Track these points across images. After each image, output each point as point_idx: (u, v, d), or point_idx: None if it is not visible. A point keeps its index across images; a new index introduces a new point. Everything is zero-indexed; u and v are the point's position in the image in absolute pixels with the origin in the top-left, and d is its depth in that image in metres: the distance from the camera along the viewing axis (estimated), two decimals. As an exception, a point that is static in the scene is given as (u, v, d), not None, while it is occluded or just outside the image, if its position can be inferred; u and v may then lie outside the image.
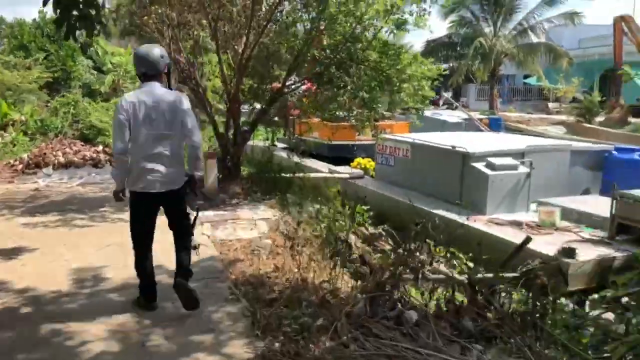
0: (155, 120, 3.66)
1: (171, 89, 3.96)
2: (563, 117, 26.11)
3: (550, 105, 31.88)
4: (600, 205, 7.98)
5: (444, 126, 18.08)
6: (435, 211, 8.43)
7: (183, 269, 3.93)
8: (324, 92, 7.84)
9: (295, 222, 6.59)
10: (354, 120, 7.93)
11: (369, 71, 7.61)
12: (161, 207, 3.93)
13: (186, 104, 3.75)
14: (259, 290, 4.23)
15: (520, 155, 8.78)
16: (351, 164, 11.87)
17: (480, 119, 22.43)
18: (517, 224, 7.57)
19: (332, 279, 4.24)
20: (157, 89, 3.73)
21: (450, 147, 8.83)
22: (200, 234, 5.93)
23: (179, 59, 8.07)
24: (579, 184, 9.32)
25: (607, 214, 7.42)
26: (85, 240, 5.85)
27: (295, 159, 8.84)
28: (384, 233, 7.74)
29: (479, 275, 6.47)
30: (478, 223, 7.80)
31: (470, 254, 7.31)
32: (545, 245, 6.62)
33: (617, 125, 21.11)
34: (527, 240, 6.35)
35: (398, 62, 7.49)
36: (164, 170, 3.70)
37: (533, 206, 8.47)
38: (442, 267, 4.65)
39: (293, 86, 8.25)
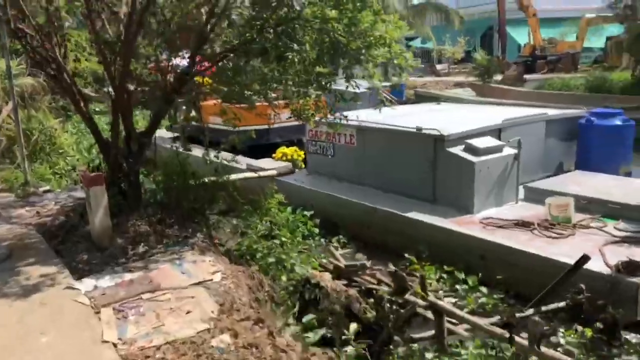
0: None
1: None
2: (457, 79, 25.66)
3: (439, 67, 31.56)
4: (604, 187, 6.57)
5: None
6: (407, 214, 6.53)
7: None
8: (256, 67, 5.42)
9: (252, 280, 4.23)
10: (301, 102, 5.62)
11: (312, 34, 5.35)
12: None
13: None
14: None
15: (496, 132, 7.11)
16: (274, 155, 9.51)
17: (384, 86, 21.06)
18: (525, 225, 5.88)
19: None
20: None
21: (416, 129, 6.90)
22: (100, 342, 3.25)
23: (24, 30, 5.17)
24: (554, 159, 7.95)
25: (625, 199, 6.01)
26: None
27: (216, 159, 6.25)
28: (367, 265, 5.66)
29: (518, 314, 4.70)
30: (471, 227, 6.02)
31: (480, 275, 5.58)
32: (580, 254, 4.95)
33: (517, 83, 20.85)
34: (585, 259, 4.66)
35: (357, 21, 5.30)
36: None
37: (521, 193, 6.87)
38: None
39: (206, 64, 5.71)
